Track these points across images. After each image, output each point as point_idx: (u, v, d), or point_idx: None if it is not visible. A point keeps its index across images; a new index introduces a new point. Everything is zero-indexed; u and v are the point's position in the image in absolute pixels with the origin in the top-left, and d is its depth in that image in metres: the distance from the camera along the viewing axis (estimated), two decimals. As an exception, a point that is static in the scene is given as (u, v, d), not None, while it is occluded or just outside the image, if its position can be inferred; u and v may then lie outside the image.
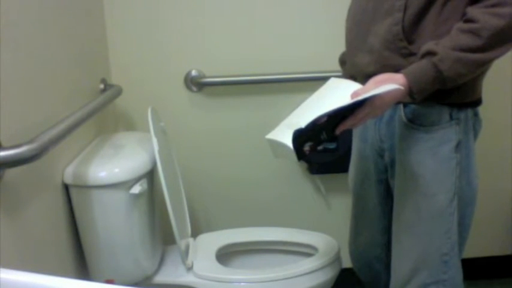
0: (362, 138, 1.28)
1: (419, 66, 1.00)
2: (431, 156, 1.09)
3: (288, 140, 0.94)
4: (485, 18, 0.95)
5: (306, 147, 0.99)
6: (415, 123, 1.09)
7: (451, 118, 1.08)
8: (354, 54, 1.16)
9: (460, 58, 0.97)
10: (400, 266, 1.17)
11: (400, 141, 1.13)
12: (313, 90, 1.09)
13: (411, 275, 1.15)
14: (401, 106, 1.11)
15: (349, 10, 1.20)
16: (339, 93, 1.02)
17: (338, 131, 1.01)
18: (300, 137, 0.94)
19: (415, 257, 1.13)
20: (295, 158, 0.96)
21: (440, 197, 1.10)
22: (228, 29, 1.68)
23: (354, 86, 1.03)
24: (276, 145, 0.99)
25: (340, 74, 1.27)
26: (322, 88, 1.09)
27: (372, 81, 1.00)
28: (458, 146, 1.09)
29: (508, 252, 1.99)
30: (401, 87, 0.97)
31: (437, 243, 1.12)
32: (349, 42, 1.20)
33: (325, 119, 0.95)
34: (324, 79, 1.13)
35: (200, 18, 1.66)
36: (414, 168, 1.11)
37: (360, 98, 0.95)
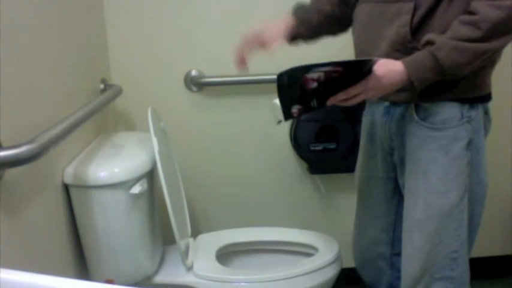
0: (369, 138, 1.29)
1: (418, 55, 1.02)
2: (444, 154, 1.09)
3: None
4: (486, 10, 0.96)
5: (294, 109, 1.02)
6: (427, 121, 1.10)
7: (463, 116, 1.08)
8: None
9: (457, 46, 0.98)
10: (411, 265, 1.17)
11: (412, 139, 1.13)
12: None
13: (421, 274, 1.15)
14: (412, 105, 1.11)
15: (354, 17, 1.21)
16: None
17: (329, 103, 1.03)
18: (288, 94, 0.98)
19: (425, 256, 1.14)
20: (283, 117, 1.02)
21: (451, 195, 1.10)
22: (228, 28, 1.68)
23: None
24: (275, 107, 1.04)
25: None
26: None
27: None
28: (469, 144, 1.10)
29: (508, 252, 1.99)
30: (380, 59, 1.00)
31: (446, 241, 1.12)
32: (358, 48, 1.20)
33: (315, 84, 0.97)
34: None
35: (200, 18, 1.66)
36: (426, 167, 1.11)
37: (340, 60, 0.97)
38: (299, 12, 1.27)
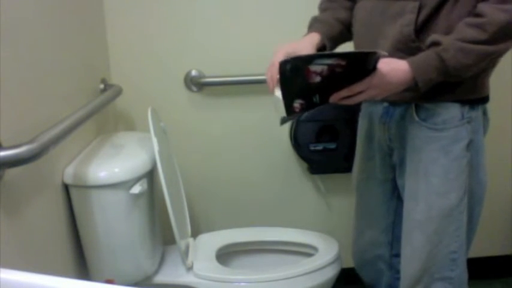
0: (367, 139, 1.28)
1: (423, 55, 1.01)
2: (444, 154, 1.09)
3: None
4: (492, 13, 0.96)
5: (296, 104, 1.00)
6: (427, 122, 1.10)
7: (463, 117, 1.08)
8: None
9: (463, 48, 0.97)
10: (411, 265, 1.17)
11: (412, 140, 1.13)
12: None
13: (421, 275, 1.15)
14: (413, 106, 1.11)
15: (355, 13, 1.20)
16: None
17: (332, 100, 1.02)
18: (290, 87, 0.96)
19: (425, 256, 1.14)
20: (284, 112, 0.99)
21: (451, 196, 1.10)
22: (228, 28, 1.68)
23: None
24: (277, 102, 1.01)
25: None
26: None
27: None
28: (469, 144, 1.10)
29: (508, 252, 1.99)
30: (386, 53, 0.98)
31: (446, 241, 1.12)
32: (358, 46, 1.19)
33: (318, 79, 0.96)
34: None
35: (200, 18, 1.66)
36: (427, 167, 1.11)
37: (344, 51, 0.97)
38: (317, 26, 1.20)
